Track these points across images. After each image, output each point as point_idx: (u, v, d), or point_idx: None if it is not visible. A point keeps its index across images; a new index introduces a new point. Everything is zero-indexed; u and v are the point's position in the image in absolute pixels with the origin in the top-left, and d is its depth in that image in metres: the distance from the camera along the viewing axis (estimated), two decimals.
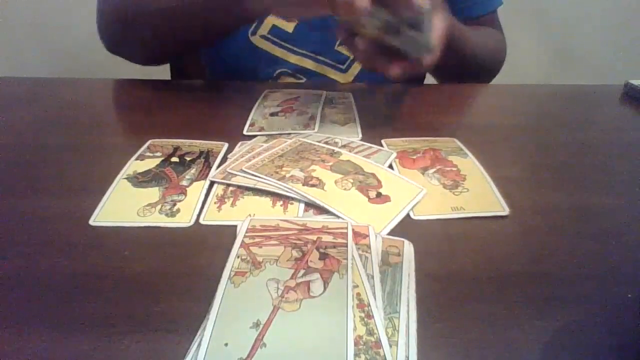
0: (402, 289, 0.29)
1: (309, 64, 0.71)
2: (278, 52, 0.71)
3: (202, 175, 0.41)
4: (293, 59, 0.71)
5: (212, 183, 0.40)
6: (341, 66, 0.72)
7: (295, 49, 0.71)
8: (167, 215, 0.36)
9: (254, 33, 0.70)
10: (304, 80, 0.71)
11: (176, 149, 0.46)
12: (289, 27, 0.69)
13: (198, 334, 0.25)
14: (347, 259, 0.30)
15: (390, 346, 0.25)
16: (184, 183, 0.40)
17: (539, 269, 0.32)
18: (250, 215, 0.35)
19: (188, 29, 0.60)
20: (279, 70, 0.71)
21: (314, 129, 0.50)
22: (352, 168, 0.42)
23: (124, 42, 0.65)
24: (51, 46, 1.39)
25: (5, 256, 0.32)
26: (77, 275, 0.30)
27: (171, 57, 0.75)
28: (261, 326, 0.25)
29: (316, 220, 0.35)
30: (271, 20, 0.69)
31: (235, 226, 0.34)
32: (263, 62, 0.71)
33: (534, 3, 1.46)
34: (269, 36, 0.70)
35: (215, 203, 0.37)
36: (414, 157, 0.45)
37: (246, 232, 0.33)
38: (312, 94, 0.60)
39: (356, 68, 0.73)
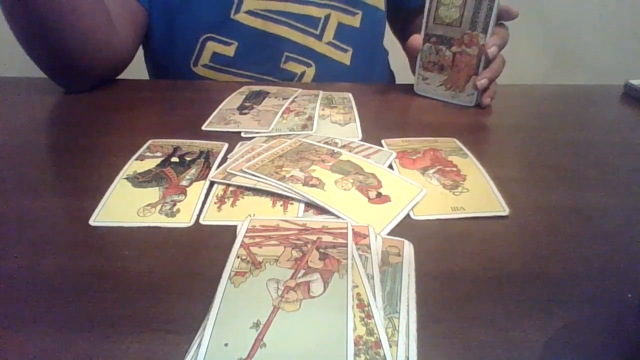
0: (402, 289, 0.29)
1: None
2: (223, 78, 0.70)
3: (202, 175, 0.41)
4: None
5: (212, 183, 0.40)
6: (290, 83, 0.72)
7: (240, 72, 0.70)
8: (167, 215, 0.36)
9: (195, 64, 0.70)
10: None
11: (176, 149, 0.46)
12: (230, 51, 0.69)
13: (198, 334, 0.25)
14: (347, 259, 0.30)
15: (390, 346, 0.25)
16: (184, 183, 0.40)
17: (539, 269, 0.32)
18: (250, 215, 0.35)
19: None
20: None
21: (311, 129, 0.50)
22: (352, 168, 0.42)
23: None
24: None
25: (6, 256, 0.32)
26: (77, 275, 0.30)
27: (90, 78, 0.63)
28: (261, 326, 0.25)
29: (316, 221, 0.35)
30: (211, 47, 0.68)
31: (235, 226, 0.34)
32: None
33: (534, 3, 1.46)
34: (211, 64, 0.70)
35: (215, 203, 0.37)
36: (414, 157, 0.45)
37: (246, 232, 0.33)
38: (309, 94, 0.60)
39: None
